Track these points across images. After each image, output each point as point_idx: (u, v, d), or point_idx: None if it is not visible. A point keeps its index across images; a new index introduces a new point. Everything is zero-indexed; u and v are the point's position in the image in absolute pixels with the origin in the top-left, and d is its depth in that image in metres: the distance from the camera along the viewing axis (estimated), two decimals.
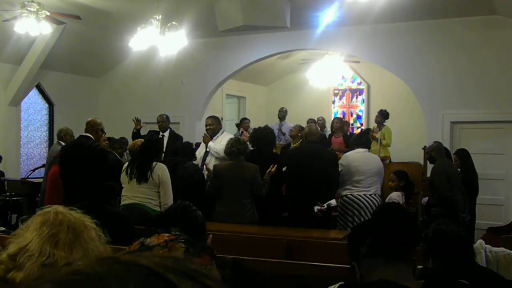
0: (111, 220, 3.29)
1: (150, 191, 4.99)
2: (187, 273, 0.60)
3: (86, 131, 5.60)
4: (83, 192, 4.94)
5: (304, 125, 7.70)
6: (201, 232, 2.77)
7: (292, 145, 6.68)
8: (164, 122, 8.09)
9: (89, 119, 5.75)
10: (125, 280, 0.56)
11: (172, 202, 4.83)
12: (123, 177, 5.11)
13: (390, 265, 1.79)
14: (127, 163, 5.21)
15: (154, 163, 5.02)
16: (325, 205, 5.42)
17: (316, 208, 5.38)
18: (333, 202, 5.52)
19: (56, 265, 1.40)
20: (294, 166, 5.56)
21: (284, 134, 9.94)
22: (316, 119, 10.01)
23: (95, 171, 5.25)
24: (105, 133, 7.19)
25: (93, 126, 5.60)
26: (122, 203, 5.06)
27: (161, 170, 5.03)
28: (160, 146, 5.34)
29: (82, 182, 5.24)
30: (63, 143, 6.79)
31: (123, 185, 5.10)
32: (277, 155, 6.13)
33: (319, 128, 7.84)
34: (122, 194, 5.08)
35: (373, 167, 5.77)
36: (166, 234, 2.56)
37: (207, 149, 6.24)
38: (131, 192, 5.02)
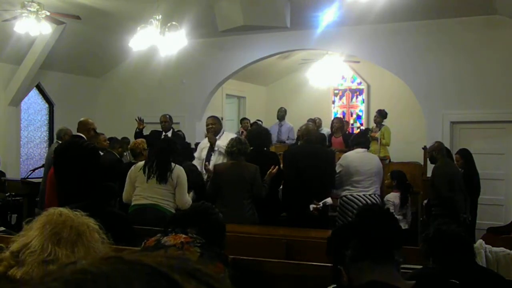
0: (111, 221, 3.29)
1: (167, 193, 4.97)
2: (192, 273, 0.60)
3: (78, 130, 5.81)
4: (77, 192, 4.96)
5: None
6: (219, 236, 2.73)
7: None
8: (167, 122, 8.13)
9: (82, 119, 5.92)
10: (131, 279, 0.57)
11: (185, 205, 4.84)
12: (139, 176, 5.05)
13: (379, 266, 1.80)
14: (143, 162, 5.16)
15: (173, 165, 5.02)
16: (320, 203, 5.41)
17: (311, 206, 5.38)
18: (328, 200, 5.50)
19: (57, 263, 1.41)
20: (293, 165, 5.56)
21: (283, 142, 9.93)
22: (313, 119, 10.00)
23: (87, 170, 5.28)
24: (103, 134, 7.25)
25: (85, 126, 5.78)
26: (135, 202, 5.01)
27: (180, 172, 5.02)
28: (176, 147, 5.33)
29: (75, 181, 5.28)
30: None
31: (136, 185, 5.06)
32: (277, 155, 6.13)
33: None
34: (135, 193, 5.04)
35: (372, 167, 5.76)
36: (183, 236, 2.52)
37: (216, 148, 6.19)
38: (147, 192, 4.97)
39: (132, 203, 5.03)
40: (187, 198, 5.02)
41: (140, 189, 5.03)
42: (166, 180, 4.94)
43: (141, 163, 5.19)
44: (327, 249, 2.00)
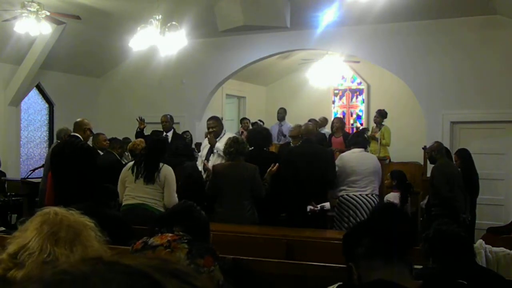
0: (110, 223, 3.29)
1: (155, 192, 4.99)
2: (173, 273, 0.61)
3: (74, 130, 5.86)
4: (74, 191, 4.97)
5: None
6: (204, 232, 2.75)
7: (291, 145, 6.68)
8: (168, 122, 8.12)
9: (78, 119, 5.97)
10: (110, 279, 0.57)
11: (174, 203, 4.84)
12: (129, 176, 5.08)
13: (388, 265, 1.79)
14: (133, 162, 5.18)
15: (161, 164, 5.02)
16: (318, 206, 5.39)
17: (309, 207, 5.37)
18: (327, 205, 5.47)
19: (57, 263, 1.40)
20: (289, 165, 5.55)
21: (284, 136, 9.90)
22: (317, 119, 10.00)
23: (83, 169, 5.30)
24: (103, 134, 7.24)
25: (80, 126, 5.84)
26: (125, 202, 5.03)
27: (167, 171, 5.03)
28: (166, 147, 5.34)
29: (72, 180, 5.30)
30: None
31: (126, 185, 5.08)
32: (277, 155, 6.12)
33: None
34: (125, 193, 5.06)
35: (369, 167, 5.74)
36: (170, 234, 2.55)
37: (215, 151, 6.17)
38: (135, 192, 5.00)
39: (123, 203, 5.06)
40: (175, 198, 5.01)
41: (129, 189, 5.06)
42: (153, 181, 4.95)
43: (131, 163, 5.23)
44: (343, 248, 2.01)
